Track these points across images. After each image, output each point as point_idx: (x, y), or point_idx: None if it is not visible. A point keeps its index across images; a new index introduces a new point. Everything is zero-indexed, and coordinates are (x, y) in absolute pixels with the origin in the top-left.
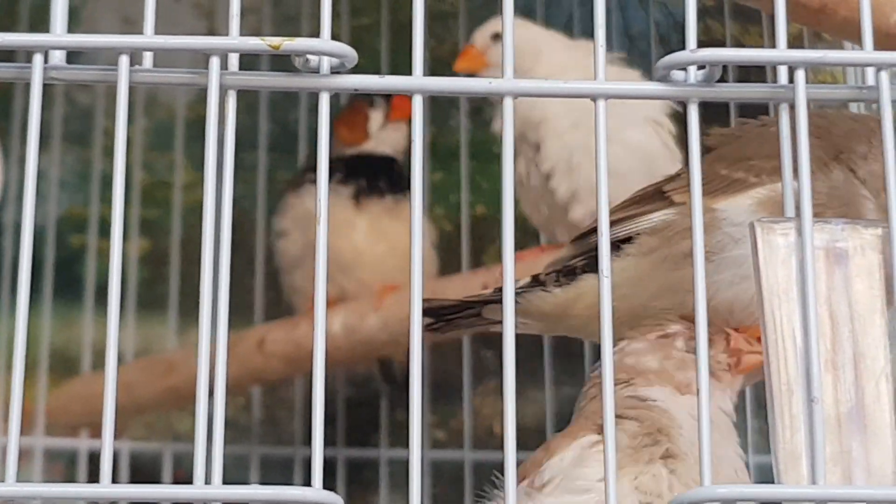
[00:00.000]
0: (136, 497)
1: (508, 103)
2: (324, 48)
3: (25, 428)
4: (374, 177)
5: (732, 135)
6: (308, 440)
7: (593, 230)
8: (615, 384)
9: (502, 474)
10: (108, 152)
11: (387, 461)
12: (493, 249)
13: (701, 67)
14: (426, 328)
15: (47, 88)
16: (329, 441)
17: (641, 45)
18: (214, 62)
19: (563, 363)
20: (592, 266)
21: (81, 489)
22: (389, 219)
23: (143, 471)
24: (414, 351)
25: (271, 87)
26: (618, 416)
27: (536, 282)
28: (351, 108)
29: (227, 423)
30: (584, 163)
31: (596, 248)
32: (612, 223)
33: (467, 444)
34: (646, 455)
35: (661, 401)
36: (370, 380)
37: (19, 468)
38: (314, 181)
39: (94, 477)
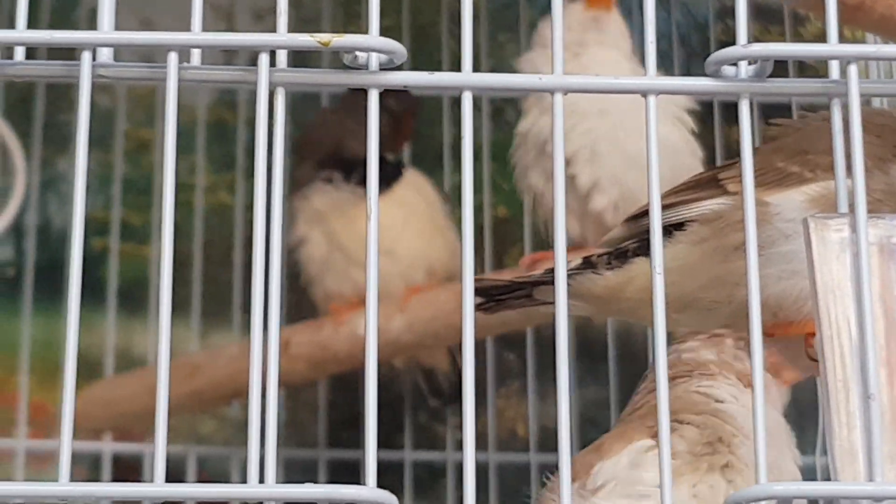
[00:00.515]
0: (194, 496)
1: (559, 99)
2: (373, 45)
3: (50, 431)
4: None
5: (793, 126)
6: (332, 442)
7: (647, 212)
8: (676, 378)
9: (529, 476)
10: (129, 155)
11: (411, 463)
12: (514, 251)
13: (752, 63)
14: (477, 308)
15: (67, 91)
16: (354, 443)
17: (662, 44)
18: (264, 59)
19: (587, 365)
20: (644, 249)
21: (141, 489)
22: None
23: (168, 473)
24: (466, 350)
25: (320, 84)
26: (679, 421)
27: (588, 264)
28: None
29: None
30: (608, 152)
31: (648, 231)
32: (665, 207)
33: (491, 446)
34: (704, 464)
35: (727, 401)
36: (393, 381)
37: (44, 471)
38: (322, 179)
39: (118, 480)
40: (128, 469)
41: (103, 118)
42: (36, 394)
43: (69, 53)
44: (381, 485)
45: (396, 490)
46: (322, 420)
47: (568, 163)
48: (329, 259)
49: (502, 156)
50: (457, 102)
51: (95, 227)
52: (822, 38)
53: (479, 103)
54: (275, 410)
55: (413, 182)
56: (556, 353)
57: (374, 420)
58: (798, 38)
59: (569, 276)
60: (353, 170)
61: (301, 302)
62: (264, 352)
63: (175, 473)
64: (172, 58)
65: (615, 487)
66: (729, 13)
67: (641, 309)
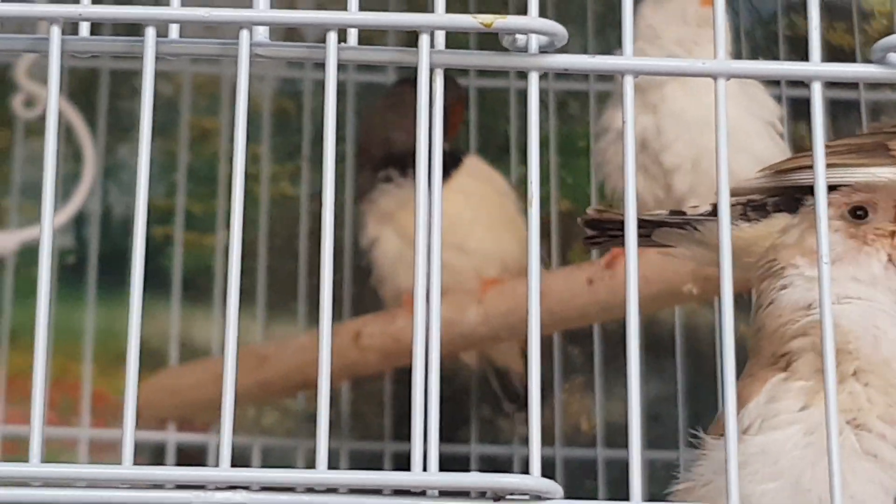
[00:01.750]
0: (355, 483)
1: (721, 84)
2: (535, 26)
3: (112, 420)
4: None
5: None
6: (398, 435)
7: (795, 168)
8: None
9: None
10: (193, 144)
11: (477, 457)
12: (578, 246)
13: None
14: (586, 240)
15: (130, 78)
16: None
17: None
18: (424, 40)
19: (652, 361)
20: (787, 206)
21: (299, 475)
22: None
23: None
24: (631, 335)
25: (479, 66)
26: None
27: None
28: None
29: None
30: (710, 167)
31: (794, 188)
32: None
33: (558, 441)
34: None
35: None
36: (457, 374)
37: (106, 460)
38: (382, 180)
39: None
40: (191, 459)
41: (165, 106)
42: (98, 383)
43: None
44: None
45: None
46: (388, 412)
47: (669, 173)
48: (401, 254)
49: (566, 149)
50: (521, 95)
51: (157, 216)
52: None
53: (543, 97)
54: (437, 394)
55: (475, 169)
56: (625, 348)
57: (537, 416)
58: (864, 34)
59: (698, 222)
60: (408, 164)
61: (368, 298)
62: (335, 342)
63: (239, 464)
64: (332, 38)
65: (762, 424)
66: (794, 8)
67: None
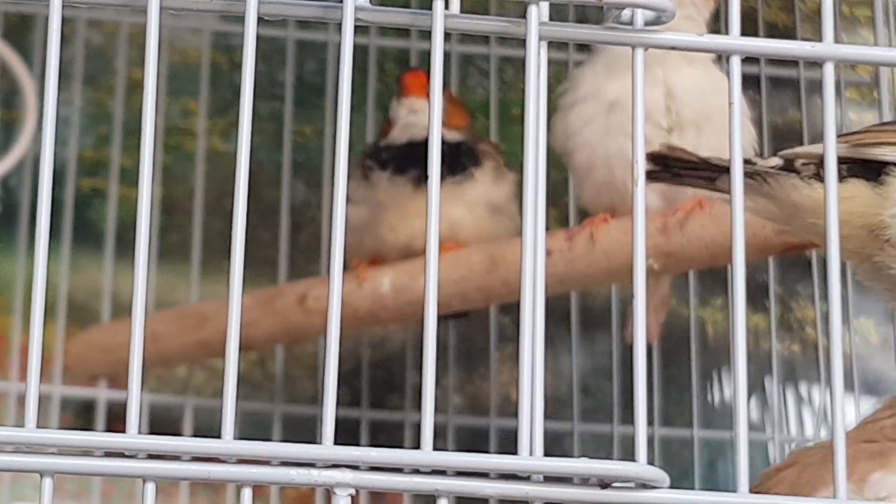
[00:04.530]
0: (462, 466)
1: (829, 69)
2: (643, 2)
3: (43, 377)
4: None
5: None
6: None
7: (872, 143)
8: None
9: None
10: (127, 95)
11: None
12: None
13: None
14: (652, 176)
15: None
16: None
17: None
18: (534, 11)
19: (584, 333)
20: (863, 172)
21: (407, 456)
22: (448, 204)
23: (161, 424)
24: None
25: (585, 40)
26: None
27: (790, 167)
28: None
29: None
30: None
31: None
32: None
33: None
34: None
35: None
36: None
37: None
38: (371, 167)
39: (111, 426)
40: (120, 418)
41: (96, 56)
42: (26, 335)
43: None
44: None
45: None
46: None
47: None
48: (368, 224)
49: (503, 116)
50: (503, 61)
51: (87, 168)
52: None
53: (484, 63)
54: (541, 380)
55: None
56: (557, 319)
57: (644, 398)
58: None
59: (768, 175)
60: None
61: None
62: (280, 304)
63: (170, 425)
64: (438, 5)
65: None
66: None
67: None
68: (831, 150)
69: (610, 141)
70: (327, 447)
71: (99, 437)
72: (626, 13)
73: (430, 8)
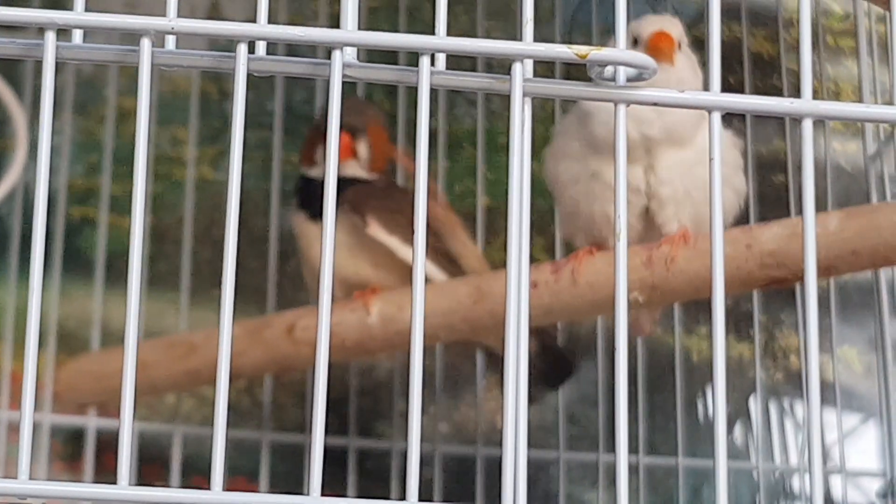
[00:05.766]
0: None
1: (808, 125)
2: (625, 59)
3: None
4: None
5: None
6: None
7: None
8: None
9: None
10: (117, 124)
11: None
12: (498, 242)
13: None
14: None
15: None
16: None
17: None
18: (518, 68)
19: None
20: None
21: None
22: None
23: (150, 452)
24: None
25: (567, 96)
26: None
27: None
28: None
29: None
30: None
31: None
32: None
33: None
34: None
35: None
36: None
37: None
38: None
39: (100, 455)
40: (110, 446)
41: (86, 85)
42: (17, 362)
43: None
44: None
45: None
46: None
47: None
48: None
49: (488, 144)
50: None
51: (77, 196)
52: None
53: (471, 94)
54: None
55: None
56: None
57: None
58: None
59: None
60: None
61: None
62: (268, 334)
63: (157, 451)
64: (425, 62)
65: None
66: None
67: None
68: (810, 205)
69: (593, 200)
70: (314, 498)
71: (90, 489)
72: (608, 69)
73: (416, 64)
